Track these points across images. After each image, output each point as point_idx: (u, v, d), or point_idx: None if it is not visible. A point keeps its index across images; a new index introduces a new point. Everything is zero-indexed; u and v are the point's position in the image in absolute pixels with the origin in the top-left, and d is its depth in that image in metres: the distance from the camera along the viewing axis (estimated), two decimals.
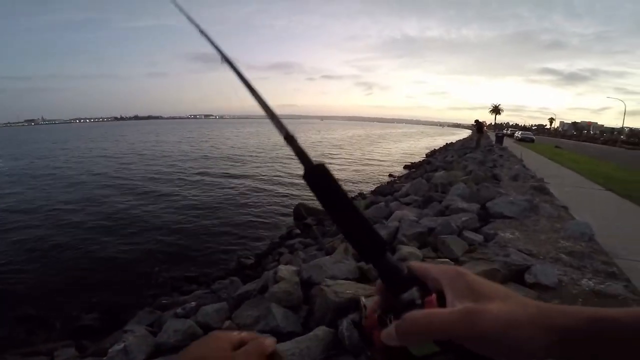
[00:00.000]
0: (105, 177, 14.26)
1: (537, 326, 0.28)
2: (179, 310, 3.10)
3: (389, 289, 0.31)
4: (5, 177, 14.84)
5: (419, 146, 35.69)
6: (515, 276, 2.66)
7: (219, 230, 7.55)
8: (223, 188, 12.00)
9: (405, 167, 18.40)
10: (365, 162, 20.62)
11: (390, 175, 15.33)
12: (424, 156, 23.06)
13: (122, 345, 2.27)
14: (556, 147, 26.93)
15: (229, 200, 10.21)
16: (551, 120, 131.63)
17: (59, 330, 3.94)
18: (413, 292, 0.30)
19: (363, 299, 0.35)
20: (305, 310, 2.22)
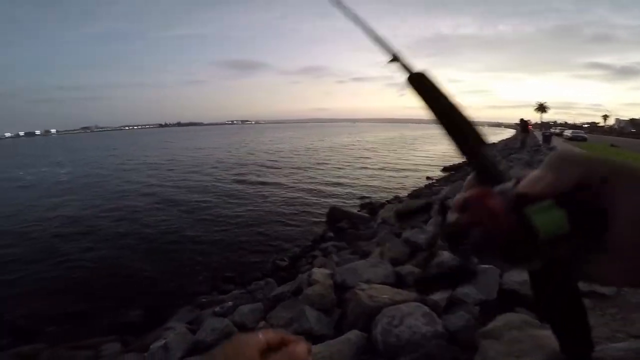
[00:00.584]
0: (149, 186, 15.12)
1: None
2: (217, 309, 3.20)
3: (482, 182, 0.28)
4: (63, 184, 16.25)
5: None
6: None
7: (255, 233, 7.75)
8: (259, 193, 12.30)
9: (444, 169, 17.75)
10: (401, 166, 20.14)
11: (427, 178, 14.86)
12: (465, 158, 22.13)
13: (162, 342, 2.37)
14: (612, 145, 24.64)
15: (264, 205, 10.45)
16: (605, 117, 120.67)
17: (106, 326, 4.18)
18: (506, 184, 0.26)
19: (448, 201, 0.30)
20: (338, 313, 2.19)
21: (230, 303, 3.41)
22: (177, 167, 20.72)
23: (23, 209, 10.78)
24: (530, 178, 0.25)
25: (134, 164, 23.33)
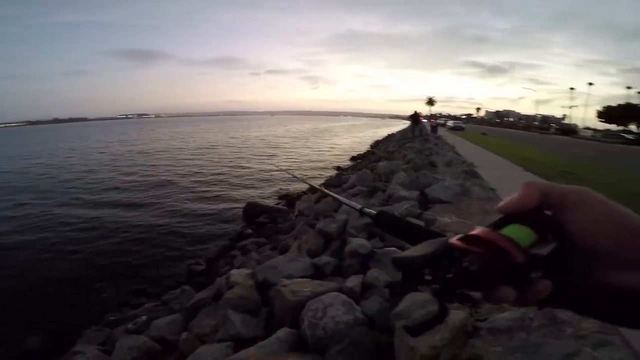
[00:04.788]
0: (24, 189, 12.55)
1: None
2: (129, 325, 2.93)
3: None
4: None
5: (364, 137, 36.91)
6: None
7: (163, 238, 7.11)
8: (164, 192, 11.28)
9: (352, 158, 18.94)
10: (315, 156, 20.83)
11: (338, 168, 15.69)
12: (369, 147, 23.99)
13: None
14: (483, 134, 29.78)
15: (171, 205, 9.64)
16: (478, 109, 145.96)
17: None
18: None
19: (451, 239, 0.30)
20: (265, 312, 2.22)
21: (144, 317, 3.14)
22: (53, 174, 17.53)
23: None
24: (506, 200, 0.31)
25: None
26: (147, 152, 24.20)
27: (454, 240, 0.29)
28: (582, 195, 0.31)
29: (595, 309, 0.31)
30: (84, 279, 5.35)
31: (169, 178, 13.63)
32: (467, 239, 0.28)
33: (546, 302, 0.30)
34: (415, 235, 0.35)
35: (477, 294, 0.28)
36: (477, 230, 0.29)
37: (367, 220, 3.73)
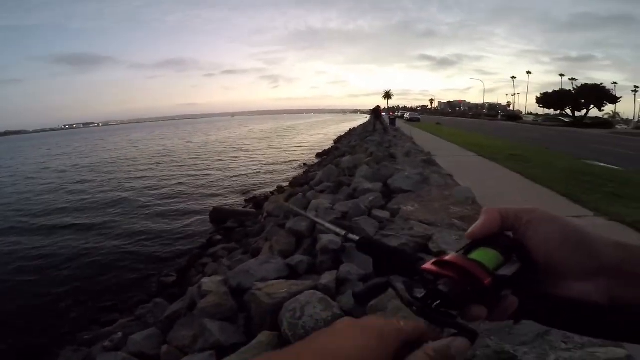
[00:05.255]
0: None
1: (608, 241, 0.31)
2: (106, 343, 2.80)
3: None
4: None
5: (328, 133, 37.21)
6: (422, 247, 2.87)
7: (127, 255, 6.75)
8: (122, 209, 10.60)
9: (317, 155, 19.07)
10: (280, 155, 20.71)
11: (304, 165, 15.75)
12: (332, 143, 24.27)
13: None
14: (437, 124, 31.31)
15: (131, 221, 9.09)
16: (431, 100, 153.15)
17: None
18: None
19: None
20: (243, 318, 2.22)
21: (119, 334, 3.02)
22: None
23: None
24: (472, 227, 0.34)
25: None
26: (96, 165, 22.51)
27: (427, 265, 0.32)
28: (532, 214, 0.33)
29: (559, 320, 0.33)
30: (48, 304, 4.99)
31: (126, 192, 12.82)
32: (440, 263, 0.31)
33: (517, 317, 0.32)
34: (391, 257, 0.38)
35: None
36: (449, 256, 0.31)
37: (337, 214, 3.82)
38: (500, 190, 5.42)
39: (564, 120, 36.36)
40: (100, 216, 9.64)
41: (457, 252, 0.33)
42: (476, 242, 0.33)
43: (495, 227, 0.33)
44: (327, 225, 0.52)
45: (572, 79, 59.07)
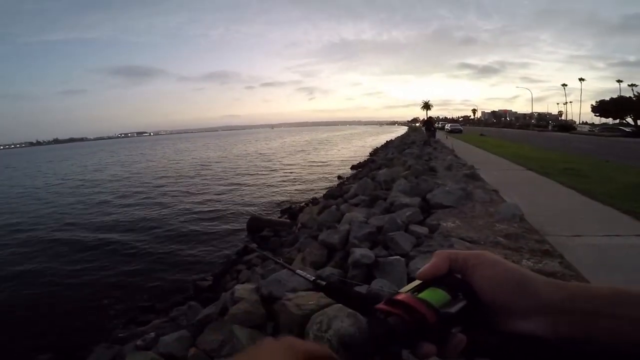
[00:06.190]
0: (36, 217, 12.61)
1: (548, 282, 0.34)
2: (139, 342, 2.93)
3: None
4: None
5: (365, 145, 37.04)
6: None
7: (170, 255, 7.15)
8: (168, 210, 11.33)
9: (353, 167, 18.97)
10: (316, 167, 20.91)
11: (339, 177, 15.71)
12: (368, 155, 24.05)
13: None
14: (481, 135, 29.88)
15: (176, 224, 9.66)
16: (474, 111, 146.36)
17: None
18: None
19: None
20: (271, 327, 2.22)
21: (152, 334, 3.14)
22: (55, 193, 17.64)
23: None
24: (422, 269, 0.37)
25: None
26: (148, 172, 24.34)
27: (380, 305, 0.33)
28: (479, 258, 0.36)
29: (509, 355, 0.35)
30: (93, 297, 5.41)
31: (173, 197, 13.68)
32: (392, 302, 0.33)
33: (467, 354, 0.34)
34: (352, 300, 0.41)
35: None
36: (400, 296, 0.33)
37: (372, 228, 3.74)
38: (553, 207, 4.90)
39: (625, 130, 32.90)
40: (148, 219, 10.32)
41: (407, 291, 0.35)
42: (426, 283, 0.36)
43: (444, 269, 0.36)
44: (298, 271, 0.53)
45: (632, 85, 53.73)
